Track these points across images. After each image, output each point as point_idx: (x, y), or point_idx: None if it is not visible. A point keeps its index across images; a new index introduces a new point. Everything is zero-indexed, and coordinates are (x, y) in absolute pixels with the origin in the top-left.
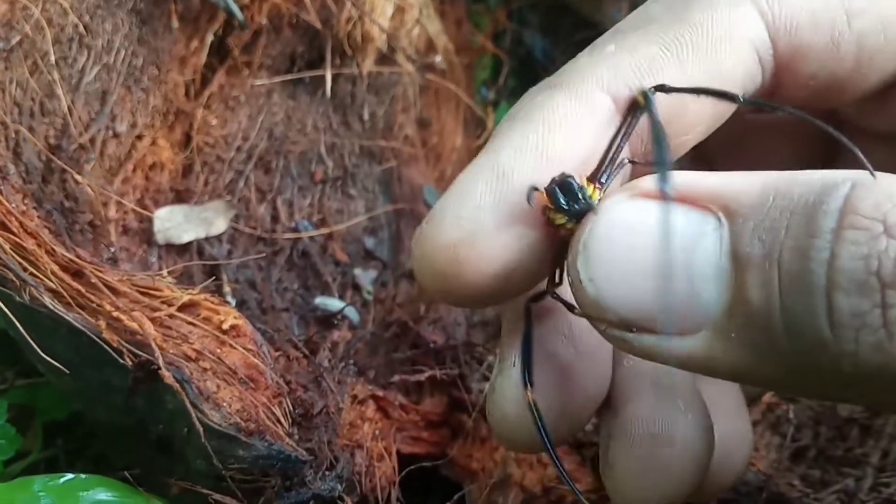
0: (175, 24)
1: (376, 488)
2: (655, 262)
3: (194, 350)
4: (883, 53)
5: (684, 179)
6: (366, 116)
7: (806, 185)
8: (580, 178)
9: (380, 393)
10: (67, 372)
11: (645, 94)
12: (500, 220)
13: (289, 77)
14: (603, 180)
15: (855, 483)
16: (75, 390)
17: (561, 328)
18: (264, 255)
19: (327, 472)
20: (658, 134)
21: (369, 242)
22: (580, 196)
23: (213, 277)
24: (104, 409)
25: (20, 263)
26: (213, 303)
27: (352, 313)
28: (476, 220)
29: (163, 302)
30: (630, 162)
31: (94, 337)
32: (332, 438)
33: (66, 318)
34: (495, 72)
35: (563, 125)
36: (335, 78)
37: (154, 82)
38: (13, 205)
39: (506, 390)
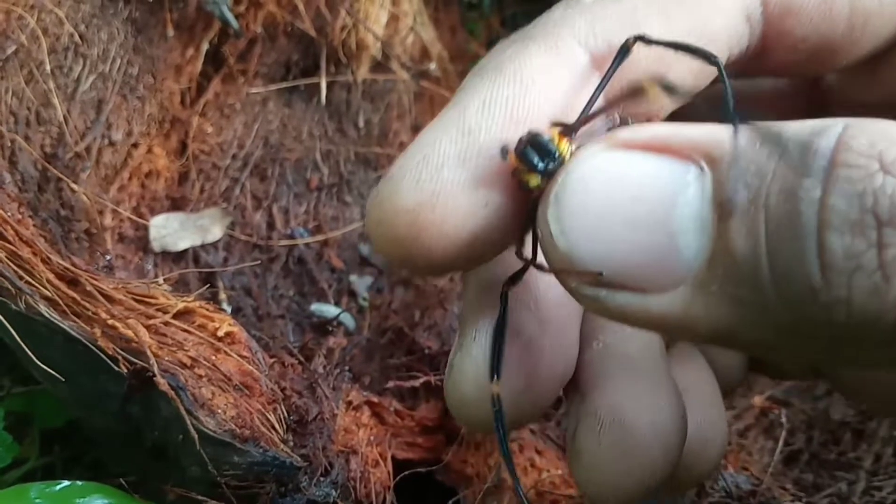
0: (170, 32)
1: (371, 494)
2: (633, 214)
3: (189, 357)
4: (877, 17)
5: (662, 130)
6: (361, 124)
7: (795, 130)
8: (552, 135)
9: (375, 399)
10: (63, 380)
11: (631, 41)
12: (465, 181)
13: (284, 85)
14: (574, 135)
15: (848, 487)
16: (71, 398)
17: (526, 301)
18: (260, 262)
19: (322, 478)
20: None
21: (365, 249)
22: (554, 154)
23: (209, 285)
24: (100, 417)
25: (16, 272)
26: (208, 310)
27: (347, 319)
28: (438, 181)
29: (158, 309)
30: (620, 119)
31: (90, 345)
32: (327, 444)
33: (62, 326)
34: None
35: (535, 80)
36: (330, 85)
37: (150, 91)
38: (9, 213)
39: (466, 369)
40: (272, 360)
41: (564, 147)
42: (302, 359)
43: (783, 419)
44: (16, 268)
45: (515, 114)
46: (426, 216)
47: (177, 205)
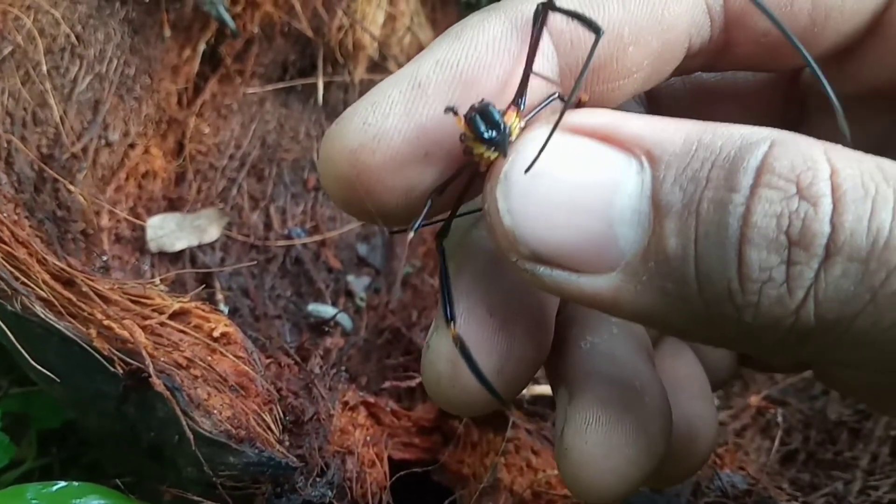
0: (167, 33)
1: (367, 494)
2: (575, 199)
3: (185, 358)
4: (838, 12)
5: (609, 119)
6: None
7: (728, 139)
8: (501, 106)
9: (371, 399)
10: (59, 381)
11: (540, 7)
12: (408, 131)
13: (281, 85)
14: (522, 107)
15: (844, 486)
16: (67, 398)
17: (499, 284)
18: (257, 262)
19: (318, 479)
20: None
21: (362, 249)
22: (501, 125)
23: (206, 285)
24: (96, 417)
25: (12, 273)
26: (203, 310)
27: (344, 320)
28: (382, 126)
29: (154, 310)
30: (560, 98)
31: (86, 345)
32: (323, 445)
33: (58, 326)
34: None
35: (489, 45)
36: (327, 86)
37: (146, 91)
38: (5, 214)
39: (441, 347)
40: (268, 361)
41: (512, 120)
42: (298, 359)
43: (779, 419)
44: (11, 269)
45: (466, 75)
46: (367, 157)
47: (173, 205)
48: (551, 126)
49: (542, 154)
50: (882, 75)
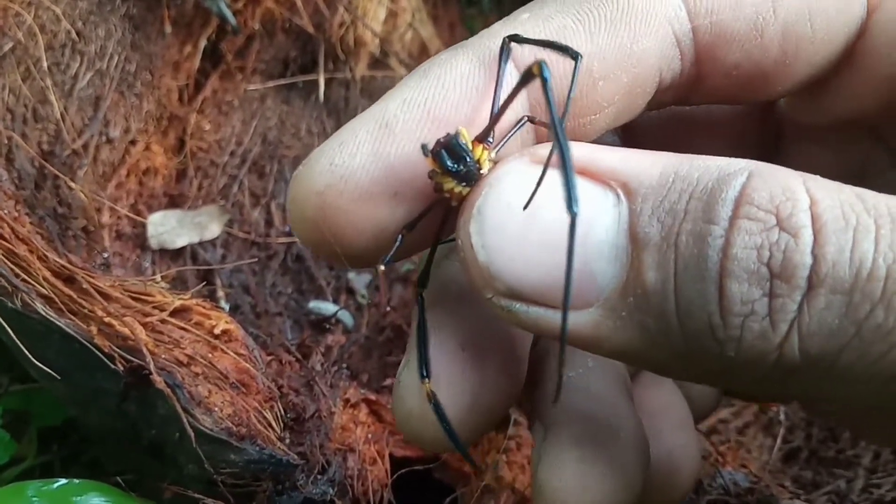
0: (168, 29)
1: (368, 492)
2: (550, 235)
3: (186, 355)
4: (809, 44)
5: (585, 153)
6: None
7: (705, 170)
8: (467, 140)
9: (372, 396)
10: (59, 378)
11: (507, 41)
12: (376, 170)
13: (282, 82)
14: (492, 141)
15: (846, 484)
16: (68, 396)
17: (469, 318)
18: (258, 259)
19: (319, 476)
20: (548, 97)
21: None
22: (467, 158)
23: (207, 282)
24: (97, 415)
25: (12, 270)
26: (204, 307)
27: (346, 317)
28: (349, 166)
29: (155, 307)
30: (529, 120)
31: (86, 342)
32: (324, 442)
33: (58, 323)
34: None
35: (456, 83)
36: (328, 82)
37: (147, 87)
38: (5, 211)
39: (410, 384)
40: (269, 358)
41: (480, 153)
42: (299, 356)
43: (782, 417)
44: (12, 265)
45: (434, 113)
46: (334, 198)
47: (174, 202)
48: (524, 159)
49: (516, 188)
50: (856, 105)
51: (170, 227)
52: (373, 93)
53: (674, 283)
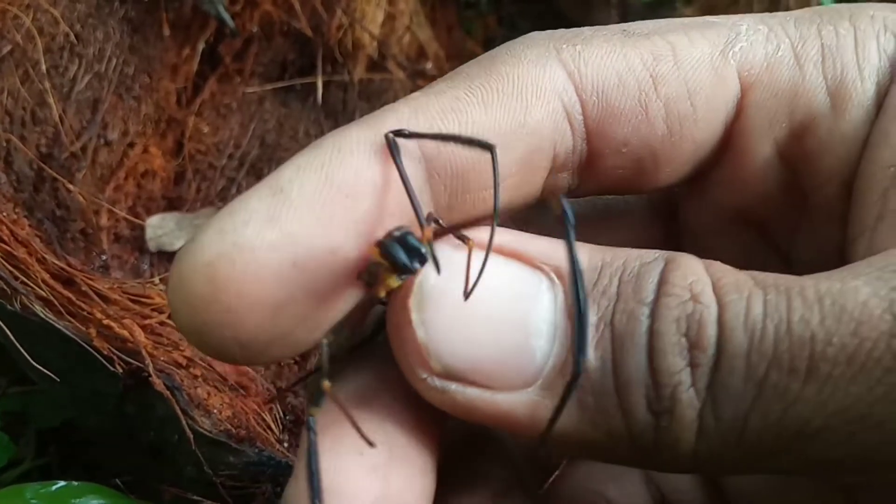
0: (166, 32)
1: None
2: (492, 310)
3: (185, 357)
4: (693, 122)
5: (514, 238)
6: None
7: (628, 258)
8: (417, 231)
9: None
10: (58, 380)
11: (391, 137)
12: (272, 237)
13: (280, 84)
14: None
15: None
16: (67, 398)
17: (372, 417)
18: None
19: None
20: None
21: None
22: (422, 251)
23: None
24: (96, 417)
25: (11, 272)
26: None
27: None
28: (241, 233)
29: (153, 309)
30: (434, 221)
31: (85, 345)
32: None
33: (57, 326)
34: None
35: (350, 153)
36: (326, 85)
37: (145, 90)
38: (4, 213)
39: (296, 499)
40: None
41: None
42: (298, 358)
43: None
44: (11, 268)
45: (332, 177)
46: (226, 268)
47: (173, 204)
48: (456, 246)
49: (454, 270)
50: (739, 198)
51: (168, 230)
52: (370, 95)
53: (612, 360)
